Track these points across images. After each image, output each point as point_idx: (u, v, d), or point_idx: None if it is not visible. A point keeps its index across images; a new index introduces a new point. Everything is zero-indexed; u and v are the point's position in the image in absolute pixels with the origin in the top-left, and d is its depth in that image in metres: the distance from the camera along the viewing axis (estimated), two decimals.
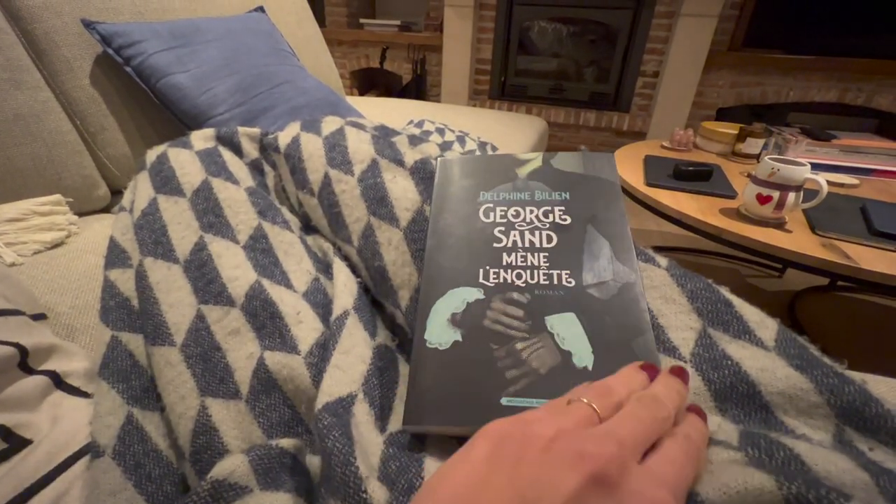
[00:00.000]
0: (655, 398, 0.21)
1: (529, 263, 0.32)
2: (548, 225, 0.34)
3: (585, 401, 0.20)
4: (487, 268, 0.33)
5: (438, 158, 0.41)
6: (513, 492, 0.16)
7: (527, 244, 0.33)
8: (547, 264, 0.32)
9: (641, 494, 0.16)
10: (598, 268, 0.31)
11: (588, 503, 0.16)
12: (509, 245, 0.34)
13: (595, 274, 0.31)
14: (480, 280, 0.32)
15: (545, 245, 0.33)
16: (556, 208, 0.35)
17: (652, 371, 0.24)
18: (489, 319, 0.30)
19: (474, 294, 0.31)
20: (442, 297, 0.32)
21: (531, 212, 0.35)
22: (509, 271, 0.32)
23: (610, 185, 0.36)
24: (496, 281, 0.32)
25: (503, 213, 0.36)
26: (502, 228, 0.35)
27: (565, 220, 0.34)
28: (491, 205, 0.36)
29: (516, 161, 0.39)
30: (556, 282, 0.31)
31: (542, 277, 0.31)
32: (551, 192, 0.36)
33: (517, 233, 0.34)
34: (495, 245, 0.34)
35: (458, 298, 0.32)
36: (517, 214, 0.35)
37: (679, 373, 0.23)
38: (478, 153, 0.91)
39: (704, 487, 0.19)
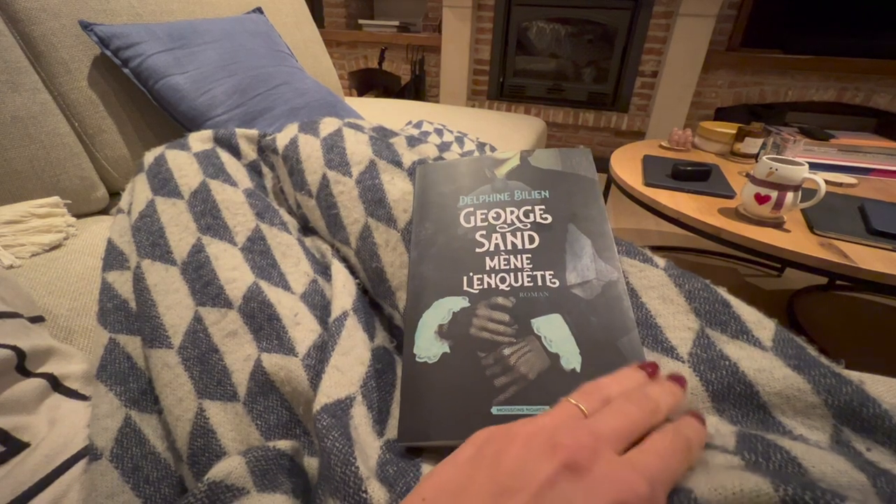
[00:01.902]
0: (645, 394, 0.21)
1: (513, 266, 0.32)
2: (529, 225, 0.34)
3: (573, 401, 0.21)
4: (471, 274, 0.32)
5: (417, 166, 0.41)
6: (493, 485, 0.17)
7: (509, 246, 0.33)
8: (530, 266, 0.32)
9: (611, 478, 0.17)
10: (581, 267, 0.31)
11: (561, 488, 0.16)
12: (491, 249, 0.33)
13: (578, 273, 0.31)
14: (465, 288, 0.32)
15: (527, 246, 0.33)
16: (537, 207, 0.35)
17: (651, 368, 0.24)
18: (475, 327, 0.30)
19: (459, 303, 0.31)
20: (428, 310, 0.31)
21: (511, 212, 0.35)
22: (493, 276, 0.32)
23: (588, 182, 0.36)
24: (480, 287, 0.31)
25: (483, 216, 0.35)
26: (483, 232, 0.34)
27: (546, 219, 0.34)
28: (471, 209, 0.36)
29: (494, 161, 0.39)
30: (540, 283, 0.31)
31: (525, 279, 0.31)
32: (531, 190, 0.36)
33: (499, 235, 0.34)
34: (477, 250, 0.33)
35: (443, 309, 0.31)
36: (498, 216, 0.35)
37: (676, 378, 0.24)
38: (476, 154, 0.91)
39: (700, 487, 0.19)
